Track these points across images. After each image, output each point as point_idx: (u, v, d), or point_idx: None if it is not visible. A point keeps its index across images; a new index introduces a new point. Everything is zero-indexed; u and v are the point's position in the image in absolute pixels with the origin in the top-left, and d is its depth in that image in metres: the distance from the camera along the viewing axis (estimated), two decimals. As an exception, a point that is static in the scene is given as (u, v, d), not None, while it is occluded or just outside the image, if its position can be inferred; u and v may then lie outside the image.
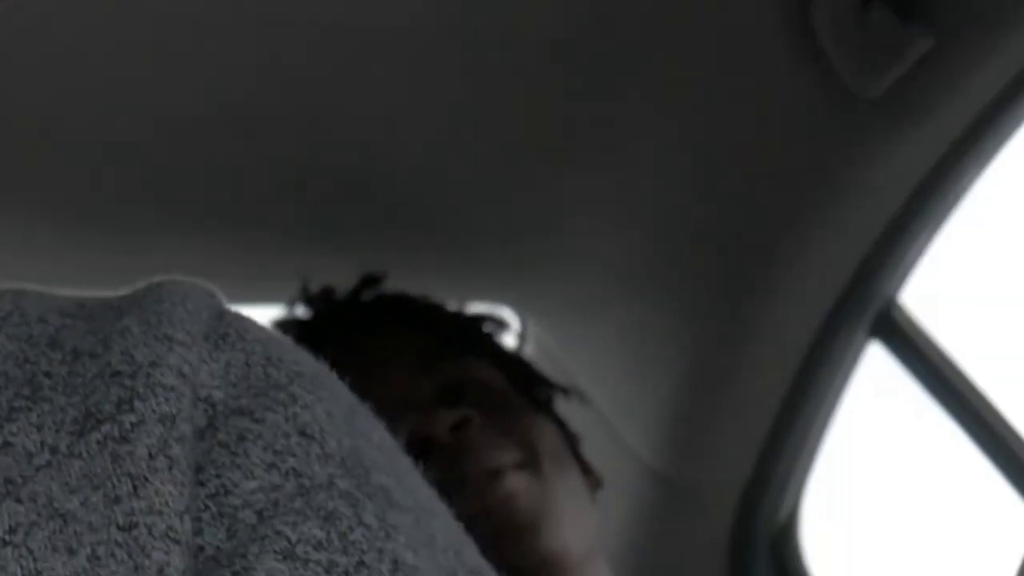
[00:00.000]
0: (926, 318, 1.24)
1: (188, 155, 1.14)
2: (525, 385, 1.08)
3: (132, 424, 0.34)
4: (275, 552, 0.33)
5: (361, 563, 0.33)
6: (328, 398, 0.37)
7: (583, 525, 0.98)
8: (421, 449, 0.95)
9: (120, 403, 0.35)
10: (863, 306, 1.24)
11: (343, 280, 1.13)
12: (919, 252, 1.21)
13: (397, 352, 1.04)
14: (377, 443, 0.38)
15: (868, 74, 1.08)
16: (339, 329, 1.08)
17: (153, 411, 0.34)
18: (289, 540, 0.33)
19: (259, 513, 0.34)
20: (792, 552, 1.37)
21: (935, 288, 1.25)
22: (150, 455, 0.34)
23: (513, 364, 1.09)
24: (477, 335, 1.10)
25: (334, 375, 0.40)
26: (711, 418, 1.33)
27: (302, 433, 0.36)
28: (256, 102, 1.11)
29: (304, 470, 0.35)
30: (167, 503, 0.33)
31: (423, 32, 1.07)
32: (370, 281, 1.13)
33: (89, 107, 1.08)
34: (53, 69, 1.03)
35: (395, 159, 1.19)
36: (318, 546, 0.33)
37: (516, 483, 0.96)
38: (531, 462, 0.98)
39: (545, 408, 1.05)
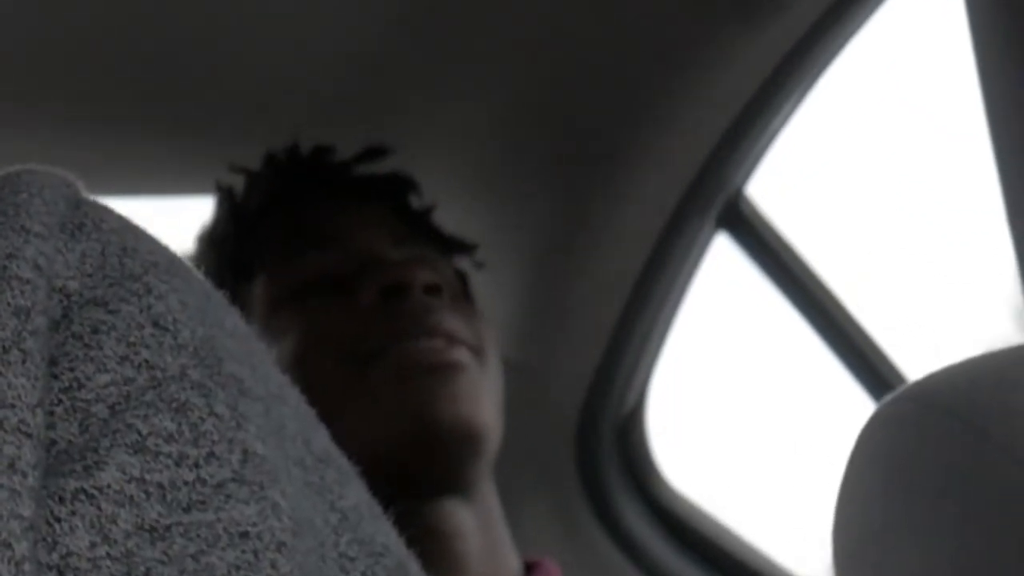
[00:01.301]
0: (772, 209, 1.27)
1: (48, 44, 1.12)
2: (466, 286, 1.12)
3: None
4: (126, 445, 0.33)
5: (211, 454, 0.34)
6: (183, 287, 0.37)
7: (499, 422, 1.02)
8: (393, 296, 1.00)
9: None
10: (711, 197, 1.25)
11: (211, 171, 1.14)
12: (767, 144, 1.23)
13: (375, 225, 1.09)
14: (231, 330, 0.38)
15: (720, -33, 1.08)
16: (322, 191, 1.12)
17: (8, 304, 0.34)
18: (140, 433, 0.33)
19: (111, 407, 0.34)
20: (638, 439, 1.40)
21: (783, 180, 1.27)
22: (3, 348, 0.33)
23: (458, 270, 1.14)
24: (438, 229, 1.14)
25: (188, 264, 0.39)
26: (560, 306, 1.34)
27: (156, 324, 0.36)
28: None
29: (157, 362, 0.35)
30: (20, 396, 0.33)
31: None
32: (373, 153, 1.16)
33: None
34: None
35: (256, 54, 1.17)
36: (169, 438, 0.33)
37: (468, 357, 1.01)
38: (479, 352, 1.02)
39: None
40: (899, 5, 1.10)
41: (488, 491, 1.02)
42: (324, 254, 1.06)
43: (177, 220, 1.31)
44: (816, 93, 1.19)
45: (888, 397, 0.59)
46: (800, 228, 1.25)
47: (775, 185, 1.26)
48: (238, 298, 1.07)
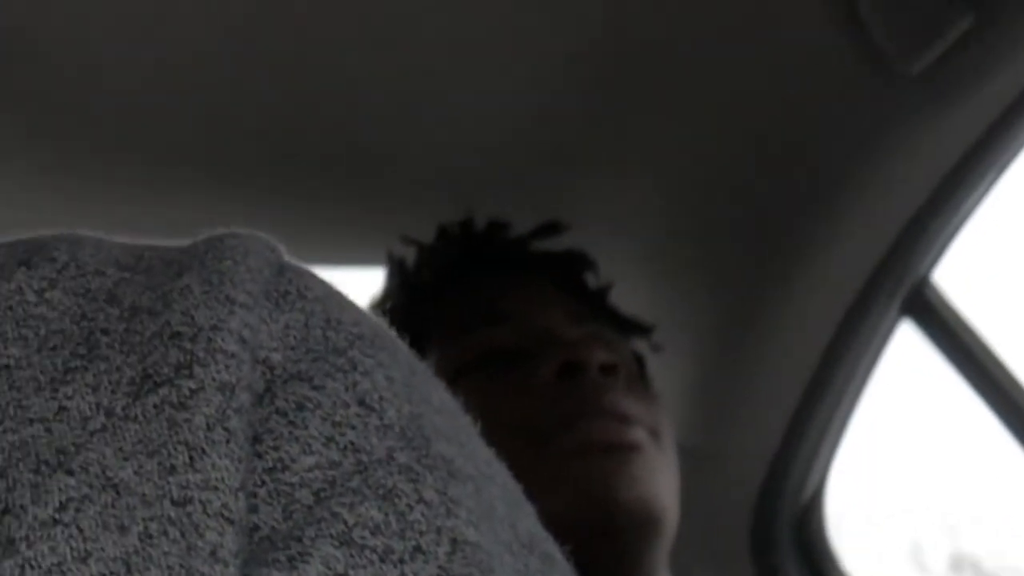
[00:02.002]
0: (959, 297, 1.24)
1: (228, 117, 1.15)
2: (643, 368, 1.11)
3: (191, 390, 0.33)
4: (331, 536, 0.32)
5: (417, 548, 0.32)
6: (388, 361, 0.36)
7: (677, 506, 1.01)
8: (569, 375, 1.00)
9: (179, 367, 0.33)
10: (896, 283, 1.23)
11: (381, 243, 1.15)
12: (954, 231, 1.21)
13: (551, 302, 1.08)
14: (438, 406, 0.37)
15: (909, 50, 1.07)
16: (497, 266, 1.12)
17: (213, 379, 0.33)
18: (346, 523, 0.32)
19: (316, 493, 0.32)
20: (816, 529, 1.36)
21: (969, 267, 1.24)
22: (208, 426, 0.32)
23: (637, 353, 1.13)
24: (615, 309, 1.14)
25: (394, 334, 0.38)
26: (739, 391, 1.32)
27: (361, 403, 0.34)
28: (292, 67, 1.11)
29: (363, 444, 0.33)
30: (223, 479, 0.32)
31: (448, 30, 1.09)
32: (549, 229, 1.16)
33: (130, 71, 1.08)
34: (99, 38, 1.04)
35: (429, 128, 1.19)
36: (375, 530, 0.32)
37: (645, 438, 0.99)
38: (656, 434, 1.01)
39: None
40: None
41: None
42: (500, 329, 1.05)
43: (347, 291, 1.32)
44: (1006, 180, 1.17)
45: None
46: (989, 316, 1.21)
47: (964, 272, 1.23)
48: None
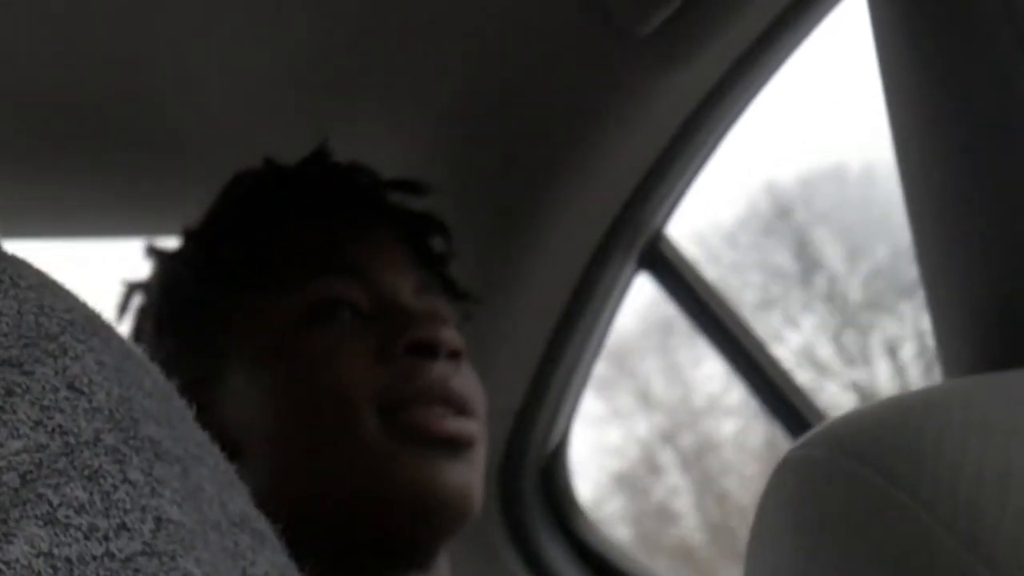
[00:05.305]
0: (690, 249, 1.28)
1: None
2: None
3: None
4: (36, 517, 0.32)
5: (122, 525, 0.33)
6: (99, 346, 0.36)
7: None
8: (420, 354, 0.96)
9: None
10: (632, 238, 1.27)
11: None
12: (686, 186, 1.25)
13: (400, 264, 1.02)
14: (149, 390, 0.37)
15: (639, 11, 1.10)
16: (348, 211, 1.04)
17: None
18: (51, 504, 0.32)
19: (23, 476, 0.33)
20: (561, 478, 1.40)
21: (702, 220, 1.29)
22: None
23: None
24: (453, 284, 1.09)
25: (107, 321, 0.39)
26: (483, 346, 1.34)
27: (71, 386, 0.35)
28: (36, 36, 1.08)
29: (71, 427, 0.34)
30: None
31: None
32: (411, 186, 1.09)
33: None
34: None
35: (176, 98, 1.17)
36: (80, 509, 0.33)
37: (478, 431, 0.99)
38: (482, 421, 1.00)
39: None
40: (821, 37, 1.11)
41: (443, 561, 0.99)
42: (346, 281, 0.98)
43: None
44: (733, 136, 1.21)
45: (798, 442, 0.60)
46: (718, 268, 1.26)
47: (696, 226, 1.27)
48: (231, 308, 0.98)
